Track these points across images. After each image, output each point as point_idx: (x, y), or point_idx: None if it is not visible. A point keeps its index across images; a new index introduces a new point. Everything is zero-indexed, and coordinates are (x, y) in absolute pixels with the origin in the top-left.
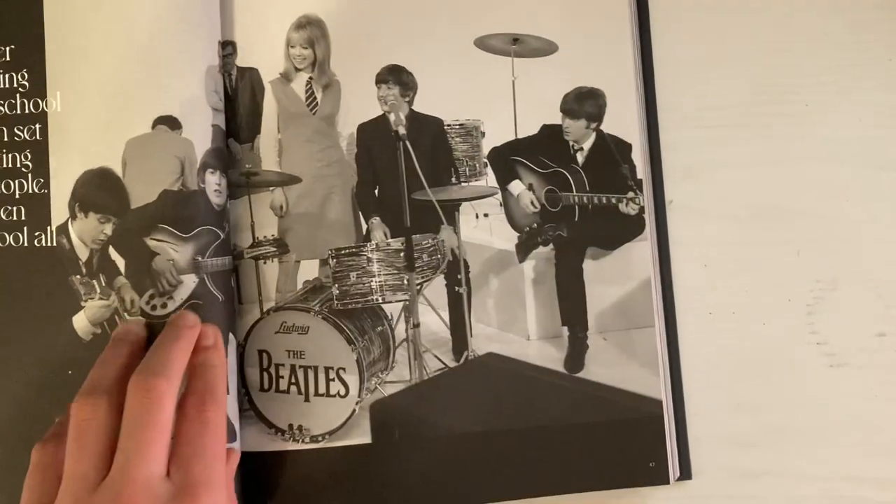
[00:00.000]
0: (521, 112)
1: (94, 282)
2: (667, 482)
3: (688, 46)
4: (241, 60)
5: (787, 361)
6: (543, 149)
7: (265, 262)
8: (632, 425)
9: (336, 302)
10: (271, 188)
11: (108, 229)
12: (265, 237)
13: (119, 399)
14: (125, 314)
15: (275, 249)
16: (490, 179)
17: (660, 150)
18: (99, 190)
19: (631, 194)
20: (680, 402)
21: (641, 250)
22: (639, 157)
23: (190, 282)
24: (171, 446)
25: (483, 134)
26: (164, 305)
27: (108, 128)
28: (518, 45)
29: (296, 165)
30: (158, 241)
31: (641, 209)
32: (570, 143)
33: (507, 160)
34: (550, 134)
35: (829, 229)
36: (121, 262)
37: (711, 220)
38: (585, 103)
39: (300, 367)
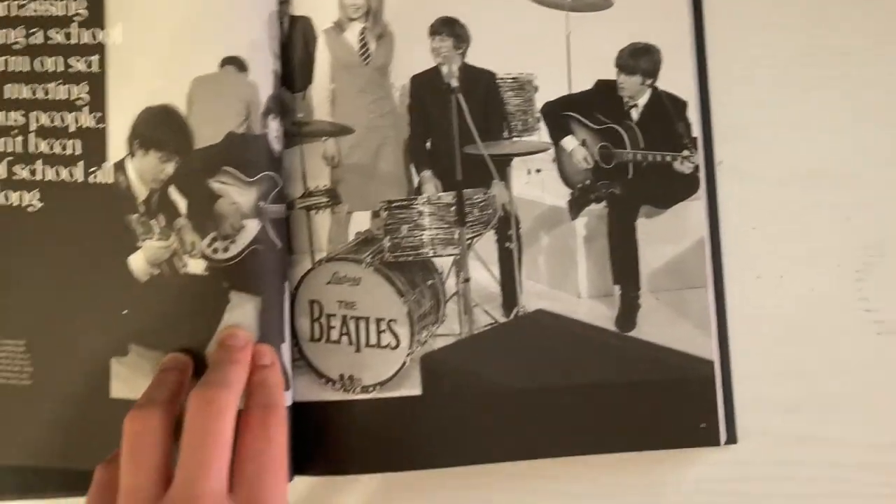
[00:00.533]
0: (576, 67)
1: (153, 222)
2: (717, 444)
3: (740, 5)
4: (295, 9)
5: (834, 327)
6: (597, 104)
7: (317, 213)
8: (683, 385)
9: (387, 254)
10: (323, 138)
11: (170, 168)
12: (317, 187)
13: (172, 416)
14: (185, 256)
15: (327, 200)
16: (543, 134)
17: (709, 110)
18: (161, 127)
19: (686, 152)
20: (727, 365)
21: (695, 209)
22: (693, 115)
23: (252, 227)
24: (234, 463)
25: (536, 88)
26: (226, 249)
27: (173, 64)
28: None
29: (348, 116)
30: (223, 183)
31: (696, 168)
32: (625, 100)
33: (560, 115)
34: (605, 90)
35: (878, 195)
36: (182, 203)
37: (761, 183)
38: (641, 59)
39: (351, 317)
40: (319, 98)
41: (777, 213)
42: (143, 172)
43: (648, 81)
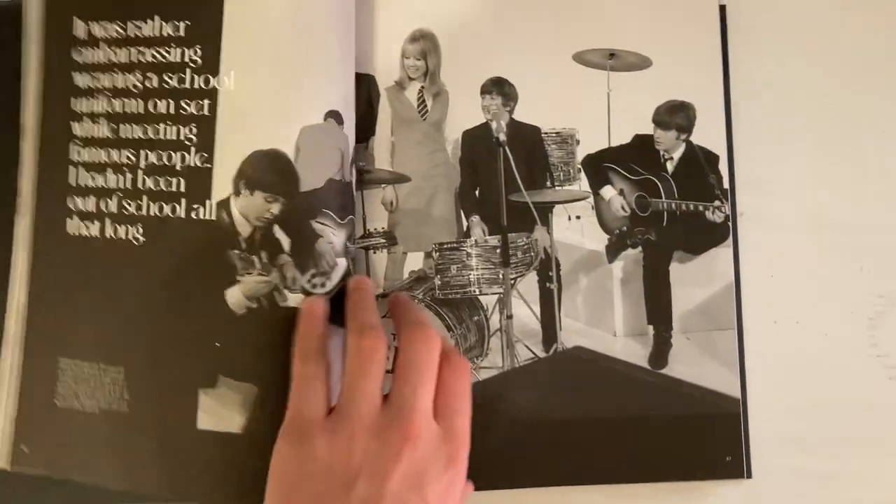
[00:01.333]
0: (615, 122)
1: (255, 257)
2: (742, 476)
3: (762, 64)
4: (360, 67)
5: (847, 372)
6: (635, 157)
7: (375, 252)
8: (710, 420)
9: (438, 291)
10: (383, 185)
11: (276, 209)
12: (375, 229)
13: None
14: (286, 290)
15: (384, 241)
16: (583, 184)
17: (734, 163)
18: (270, 170)
19: (717, 202)
20: (745, 403)
21: (725, 256)
22: (725, 167)
23: (342, 264)
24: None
25: (578, 142)
26: (322, 284)
27: (282, 113)
28: (614, 60)
29: (406, 166)
30: (322, 224)
31: (727, 217)
32: (661, 153)
33: (599, 166)
34: (642, 143)
35: (891, 245)
36: (285, 241)
37: (779, 233)
38: (676, 115)
39: None
40: (380, 149)
41: (794, 262)
42: (247, 211)
43: (683, 136)
